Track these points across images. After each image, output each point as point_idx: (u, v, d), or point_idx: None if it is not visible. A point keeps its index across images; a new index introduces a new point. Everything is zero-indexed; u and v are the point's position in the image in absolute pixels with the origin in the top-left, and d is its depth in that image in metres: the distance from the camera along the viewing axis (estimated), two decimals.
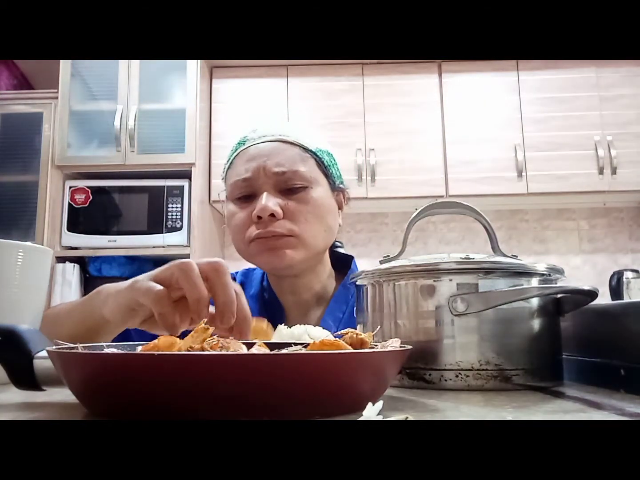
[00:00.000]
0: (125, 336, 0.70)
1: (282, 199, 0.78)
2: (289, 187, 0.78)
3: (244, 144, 0.83)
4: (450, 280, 0.48)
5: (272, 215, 0.75)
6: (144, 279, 0.51)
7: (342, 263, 0.90)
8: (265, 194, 0.76)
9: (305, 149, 0.81)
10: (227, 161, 0.86)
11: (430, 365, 0.47)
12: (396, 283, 0.51)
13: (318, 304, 0.86)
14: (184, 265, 0.49)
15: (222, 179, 0.88)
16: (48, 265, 0.55)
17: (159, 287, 0.48)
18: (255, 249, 0.78)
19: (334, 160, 0.86)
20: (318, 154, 0.82)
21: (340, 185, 0.86)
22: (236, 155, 0.83)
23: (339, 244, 0.96)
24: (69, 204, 2.45)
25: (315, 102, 2.65)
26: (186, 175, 2.47)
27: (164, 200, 2.45)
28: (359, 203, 2.58)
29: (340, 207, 0.87)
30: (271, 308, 0.85)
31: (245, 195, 0.80)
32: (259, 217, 0.75)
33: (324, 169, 0.82)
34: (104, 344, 0.44)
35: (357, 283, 0.56)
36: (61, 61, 2.52)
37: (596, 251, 2.86)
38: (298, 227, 0.77)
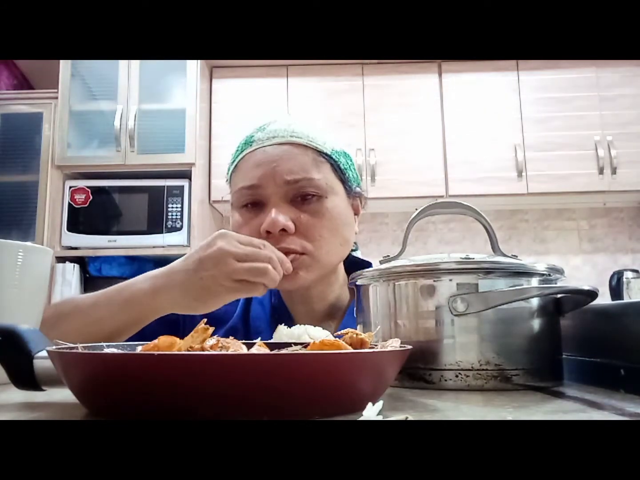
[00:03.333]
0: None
1: (293, 211, 0.71)
2: (302, 197, 0.71)
3: (250, 144, 0.75)
4: (450, 280, 0.48)
5: (283, 229, 0.69)
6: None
7: (358, 269, 0.83)
8: (274, 206, 0.70)
9: (320, 153, 0.73)
10: (232, 162, 0.78)
11: (430, 365, 0.47)
12: (396, 283, 0.51)
13: (331, 315, 0.81)
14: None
15: (227, 181, 0.80)
16: (48, 265, 0.55)
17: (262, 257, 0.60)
18: None
19: (351, 162, 0.79)
20: (334, 157, 0.74)
21: (357, 189, 0.79)
22: (241, 158, 0.75)
23: (354, 246, 0.87)
24: (69, 204, 2.45)
25: (315, 102, 2.66)
26: (186, 175, 2.47)
27: (164, 200, 2.45)
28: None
29: (356, 213, 0.81)
30: (280, 315, 0.80)
31: (252, 203, 0.73)
32: (268, 232, 0.69)
33: (341, 173, 0.75)
34: (104, 344, 0.44)
35: (357, 283, 0.56)
36: (61, 61, 2.52)
37: (596, 251, 2.86)
38: (312, 244, 0.71)
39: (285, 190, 0.71)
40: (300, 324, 0.79)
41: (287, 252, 0.69)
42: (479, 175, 2.57)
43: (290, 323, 0.74)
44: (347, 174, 0.76)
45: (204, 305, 0.62)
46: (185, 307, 0.63)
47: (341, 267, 0.83)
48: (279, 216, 0.69)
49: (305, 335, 0.56)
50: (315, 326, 0.59)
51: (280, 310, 0.81)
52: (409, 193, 2.57)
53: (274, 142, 0.73)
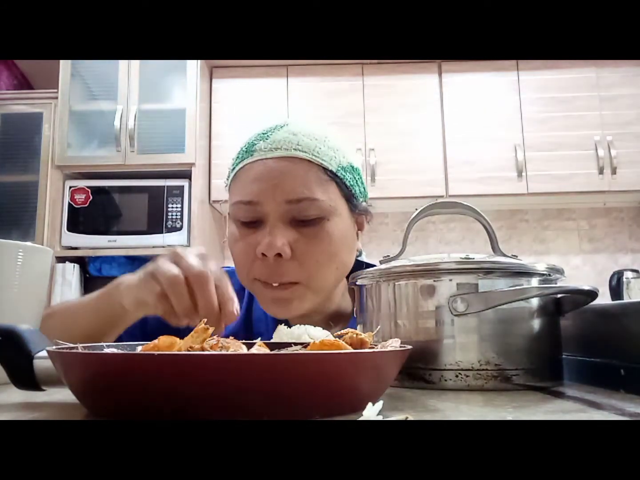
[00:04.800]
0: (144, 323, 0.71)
1: (292, 232, 0.67)
2: (302, 219, 0.67)
3: (251, 154, 0.69)
4: (450, 280, 0.48)
5: (279, 254, 0.65)
6: (156, 273, 0.54)
7: None
8: (272, 226, 0.66)
9: (325, 170, 0.68)
10: (232, 169, 0.73)
11: (430, 365, 0.47)
12: (396, 283, 0.51)
13: (332, 323, 0.77)
14: (200, 276, 0.53)
15: (226, 186, 0.76)
16: (48, 265, 0.55)
17: (176, 271, 0.52)
18: (258, 290, 0.70)
19: (358, 176, 0.73)
20: (339, 174, 0.69)
21: (363, 204, 0.75)
22: (241, 168, 0.70)
23: (357, 252, 0.82)
24: (69, 204, 2.45)
25: (315, 102, 2.65)
26: (186, 175, 2.47)
27: (164, 200, 2.45)
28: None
29: (360, 229, 0.76)
30: (280, 320, 0.75)
31: (250, 221, 0.69)
32: (264, 254, 0.66)
33: (346, 191, 0.70)
34: (104, 344, 0.44)
35: (357, 283, 0.56)
36: (61, 61, 2.52)
37: (596, 251, 2.86)
38: (307, 272, 0.67)
39: (285, 209, 0.66)
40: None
41: (281, 284, 0.67)
42: (479, 175, 2.57)
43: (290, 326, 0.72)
44: (353, 190, 0.72)
45: (131, 296, 0.58)
46: (130, 298, 0.59)
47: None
48: (276, 240, 0.65)
49: (305, 335, 0.56)
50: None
51: (281, 321, 0.80)
52: (409, 193, 2.57)
53: (276, 154, 0.68)
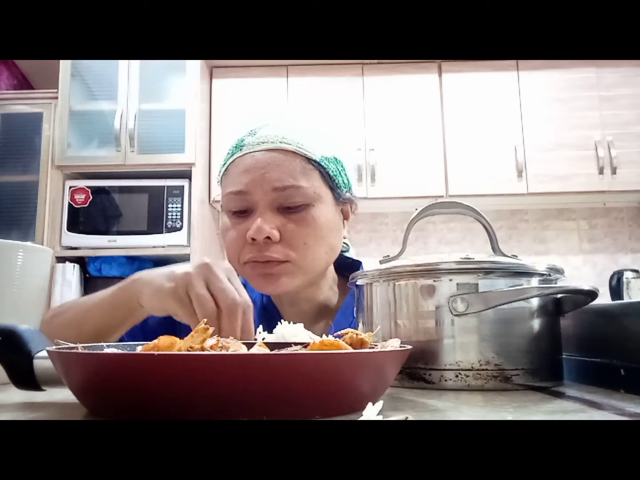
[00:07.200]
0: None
1: (279, 218, 0.71)
2: (288, 205, 0.71)
3: (240, 149, 0.75)
4: (450, 280, 0.48)
5: (268, 237, 0.70)
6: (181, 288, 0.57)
7: (348, 269, 0.80)
8: (261, 214, 0.71)
9: (309, 160, 0.73)
10: (223, 165, 0.78)
11: (430, 365, 0.47)
12: (396, 283, 0.51)
13: (321, 315, 0.81)
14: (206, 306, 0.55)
15: (218, 182, 0.81)
16: (48, 265, 0.55)
17: (212, 304, 0.55)
18: (249, 272, 0.73)
19: (342, 167, 0.78)
20: (323, 164, 0.74)
21: (348, 194, 0.79)
22: (231, 162, 0.75)
23: (344, 247, 0.86)
24: (69, 204, 2.45)
25: (315, 102, 2.65)
26: (186, 175, 2.47)
27: (164, 200, 2.45)
28: (359, 203, 2.58)
29: (346, 218, 0.81)
30: (270, 315, 0.80)
31: (240, 210, 0.73)
32: (253, 239, 0.70)
33: (330, 180, 0.75)
34: (104, 344, 0.44)
35: (357, 283, 0.56)
36: (61, 61, 2.52)
37: (596, 251, 2.86)
38: (295, 253, 0.71)
39: (273, 197, 0.71)
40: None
41: (269, 260, 0.71)
42: (479, 175, 2.57)
43: (280, 320, 0.72)
44: (336, 181, 0.76)
45: (153, 296, 0.60)
46: (150, 297, 0.60)
47: (330, 268, 0.83)
48: (264, 224, 0.69)
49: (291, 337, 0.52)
50: (305, 326, 0.55)
51: (270, 310, 0.81)
52: (409, 193, 2.57)
53: (263, 147, 0.73)
